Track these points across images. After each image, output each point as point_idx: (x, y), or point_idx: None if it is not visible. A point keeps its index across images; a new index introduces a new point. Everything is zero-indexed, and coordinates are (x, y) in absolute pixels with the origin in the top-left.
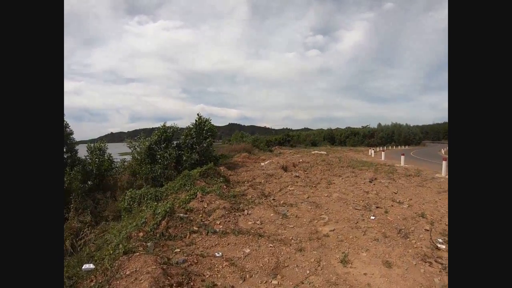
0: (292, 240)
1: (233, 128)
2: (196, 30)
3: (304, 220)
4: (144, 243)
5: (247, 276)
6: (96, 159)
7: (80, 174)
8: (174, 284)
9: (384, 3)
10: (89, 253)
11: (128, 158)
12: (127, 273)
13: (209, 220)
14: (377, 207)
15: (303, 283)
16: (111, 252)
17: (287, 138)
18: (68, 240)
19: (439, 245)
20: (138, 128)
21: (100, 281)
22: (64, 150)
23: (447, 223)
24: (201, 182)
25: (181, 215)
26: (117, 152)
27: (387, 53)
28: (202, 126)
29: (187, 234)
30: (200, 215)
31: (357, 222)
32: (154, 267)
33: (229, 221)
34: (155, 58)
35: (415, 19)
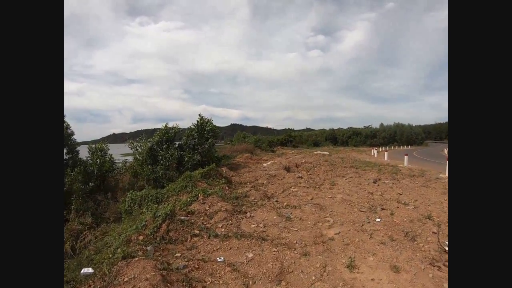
0: (297, 244)
1: (235, 128)
2: (197, 31)
3: (308, 222)
4: (144, 247)
5: (250, 282)
6: (97, 160)
7: (81, 175)
8: None
9: (385, 3)
10: (89, 256)
11: (130, 159)
12: (125, 279)
13: (210, 223)
14: (382, 209)
15: None
16: (110, 256)
17: (289, 139)
18: (68, 242)
19: (447, 248)
20: (140, 129)
21: (98, 287)
22: (65, 151)
23: None
24: (203, 183)
25: (182, 217)
26: (119, 153)
27: (388, 53)
28: (204, 127)
29: (188, 238)
30: (202, 218)
31: (363, 225)
32: (153, 273)
33: (231, 224)
34: (157, 59)
35: (416, 19)
